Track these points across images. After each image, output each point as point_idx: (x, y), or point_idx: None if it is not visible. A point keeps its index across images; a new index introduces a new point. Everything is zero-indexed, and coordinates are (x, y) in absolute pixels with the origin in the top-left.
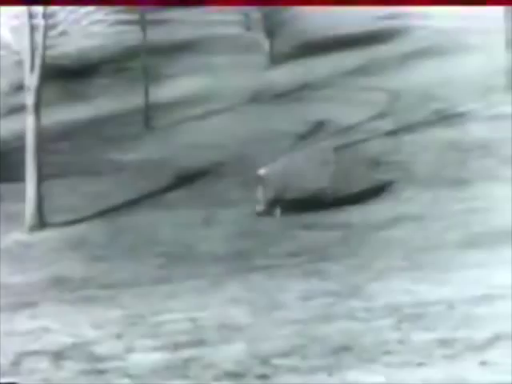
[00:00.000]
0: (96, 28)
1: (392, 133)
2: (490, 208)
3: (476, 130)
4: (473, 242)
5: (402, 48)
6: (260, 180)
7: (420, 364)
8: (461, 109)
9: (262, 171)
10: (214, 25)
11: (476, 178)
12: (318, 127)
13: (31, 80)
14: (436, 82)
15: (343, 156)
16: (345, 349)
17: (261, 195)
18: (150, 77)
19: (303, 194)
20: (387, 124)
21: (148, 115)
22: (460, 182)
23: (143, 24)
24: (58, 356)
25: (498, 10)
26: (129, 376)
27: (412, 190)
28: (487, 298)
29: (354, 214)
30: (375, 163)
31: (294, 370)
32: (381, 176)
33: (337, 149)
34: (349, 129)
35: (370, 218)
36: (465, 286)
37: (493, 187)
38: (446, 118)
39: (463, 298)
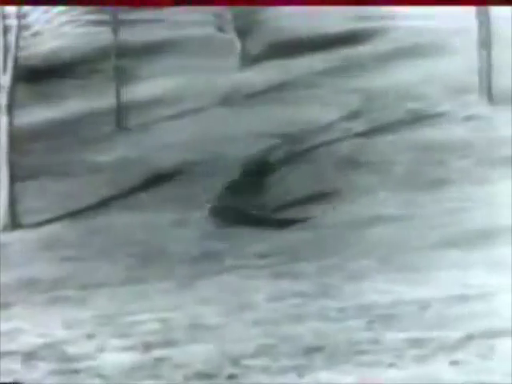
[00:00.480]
0: (68, 28)
1: (367, 133)
2: (466, 209)
3: (452, 131)
4: (448, 243)
5: (378, 48)
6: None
7: (391, 364)
8: (436, 109)
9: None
10: (187, 25)
11: (452, 178)
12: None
13: (4, 81)
14: (412, 82)
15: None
16: (316, 349)
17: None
18: (123, 77)
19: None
20: (362, 124)
21: (120, 116)
22: (436, 183)
23: (115, 25)
24: (30, 356)
25: (472, 10)
26: (100, 376)
27: (388, 191)
28: (461, 299)
29: (329, 214)
30: (352, 164)
31: (264, 370)
32: (358, 176)
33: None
34: (323, 129)
35: (346, 219)
36: (439, 286)
37: (468, 188)
38: (422, 118)
39: (437, 298)
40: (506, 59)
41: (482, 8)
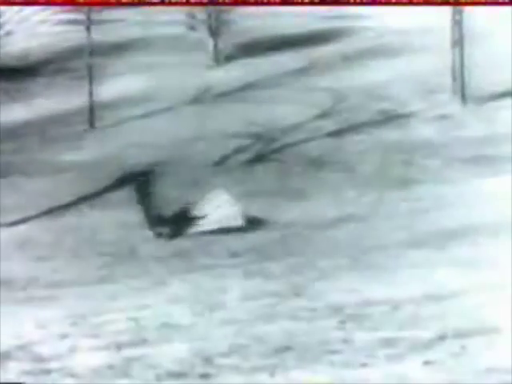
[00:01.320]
0: (41, 28)
1: (336, 133)
2: (435, 208)
3: (421, 131)
4: (417, 242)
5: (347, 48)
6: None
7: (363, 364)
8: (406, 109)
9: None
10: (158, 24)
11: (421, 178)
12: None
13: None
14: (381, 82)
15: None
16: (287, 349)
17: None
18: (94, 76)
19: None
20: (331, 124)
21: (92, 115)
22: (405, 183)
23: (88, 23)
24: (1, 357)
25: (444, 10)
26: (72, 376)
27: (356, 190)
28: (432, 298)
29: (297, 214)
30: (321, 163)
31: (236, 369)
32: (325, 175)
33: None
34: (292, 129)
35: (314, 218)
36: (410, 285)
37: (438, 187)
38: (392, 118)
39: (408, 297)
40: (477, 58)
41: (457, 8)
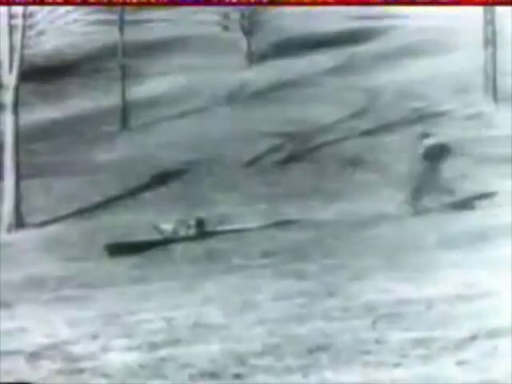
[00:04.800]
0: (73, 27)
1: (370, 132)
2: (468, 208)
3: (453, 129)
4: (451, 242)
5: (381, 47)
6: None
7: (397, 364)
8: (439, 108)
9: None
10: (192, 25)
11: (454, 177)
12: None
13: (9, 80)
14: (415, 81)
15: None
16: (321, 349)
17: None
18: (127, 76)
19: None
20: (365, 123)
21: (125, 115)
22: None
23: (121, 23)
24: (34, 356)
25: (477, 10)
26: (105, 376)
27: (391, 190)
28: (464, 298)
29: (330, 214)
30: (356, 162)
31: (269, 370)
32: (359, 175)
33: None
34: (326, 128)
35: (348, 218)
36: (443, 285)
37: (469, 186)
38: (425, 117)
39: (440, 297)
40: (509, 57)
41: (488, 8)
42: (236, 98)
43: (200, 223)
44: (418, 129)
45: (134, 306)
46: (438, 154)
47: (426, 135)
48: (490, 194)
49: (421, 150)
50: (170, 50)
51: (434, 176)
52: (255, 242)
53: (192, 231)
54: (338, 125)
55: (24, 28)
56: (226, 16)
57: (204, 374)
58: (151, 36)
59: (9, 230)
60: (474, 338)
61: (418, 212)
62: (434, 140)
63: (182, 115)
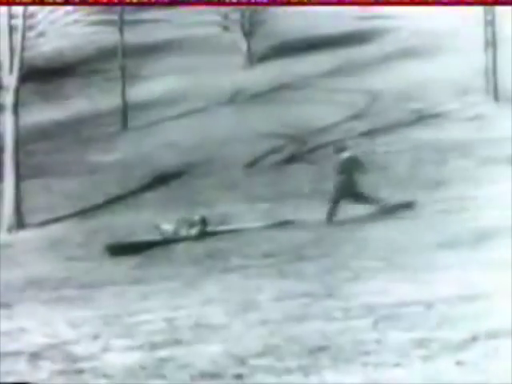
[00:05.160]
0: (74, 28)
1: (370, 133)
2: (467, 209)
3: (454, 131)
4: (450, 243)
5: (380, 49)
6: None
7: (396, 364)
8: (439, 109)
9: None
10: (192, 25)
11: (453, 178)
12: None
13: (10, 81)
14: (414, 82)
15: None
16: (321, 349)
17: None
18: (127, 77)
19: None
20: (365, 125)
21: (125, 115)
22: (437, 183)
23: (121, 24)
24: (35, 356)
25: (477, 10)
26: (105, 376)
27: (389, 191)
28: (464, 299)
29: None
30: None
31: (269, 370)
32: (358, 176)
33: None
34: (326, 130)
35: (348, 218)
36: (443, 286)
37: (470, 188)
38: (425, 118)
39: (440, 298)
40: (510, 58)
41: (489, 8)
42: (236, 98)
43: (203, 221)
44: (418, 130)
45: (134, 307)
46: (352, 167)
47: (340, 149)
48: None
49: (337, 164)
50: (169, 50)
51: (349, 188)
52: (255, 242)
53: (193, 231)
54: (338, 126)
55: (24, 29)
56: (225, 16)
57: (204, 375)
58: (151, 37)
59: (9, 231)
60: (473, 338)
61: (332, 222)
62: (349, 154)
63: (182, 116)
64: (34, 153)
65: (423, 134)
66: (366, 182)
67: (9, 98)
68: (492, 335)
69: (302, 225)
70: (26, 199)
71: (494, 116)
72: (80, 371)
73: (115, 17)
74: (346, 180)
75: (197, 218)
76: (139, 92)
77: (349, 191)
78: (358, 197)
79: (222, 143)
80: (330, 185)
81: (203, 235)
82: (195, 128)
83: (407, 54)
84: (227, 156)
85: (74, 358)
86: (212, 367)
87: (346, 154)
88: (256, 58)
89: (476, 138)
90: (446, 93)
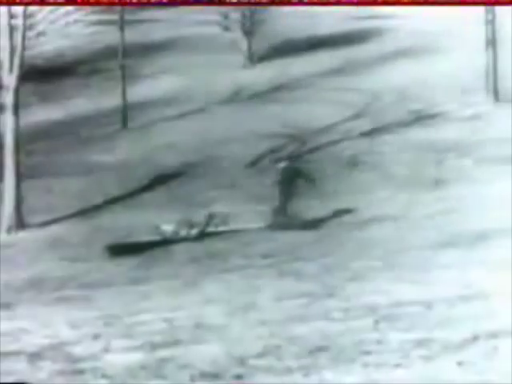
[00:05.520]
0: (74, 28)
1: (369, 133)
2: (466, 208)
3: (453, 131)
4: (449, 243)
5: (380, 49)
6: None
7: (397, 364)
8: (439, 109)
9: None
10: (192, 25)
11: (453, 178)
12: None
13: (10, 80)
14: (413, 82)
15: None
16: (321, 349)
17: None
18: (127, 77)
19: None
20: (364, 124)
21: (125, 115)
22: (437, 183)
23: (121, 24)
24: (35, 357)
25: (478, 10)
26: (105, 376)
27: (389, 191)
28: (464, 299)
29: (331, 214)
30: (354, 164)
31: (270, 370)
32: (357, 176)
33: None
34: (325, 129)
35: (348, 219)
36: (442, 286)
37: (470, 188)
38: (424, 118)
39: (441, 298)
40: (510, 58)
41: (490, 8)
42: (236, 98)
43: (211, 217)
44: (417, 130)
45: (134, 307)
46: (291, 176)
47: (279, 160)
48: (490, 194)
49: (277, 173)
50: (170, 50)
51: (287, 197)
52: (255, 242)
53: (194, 231)
54: (337, 126)
55: (24, 28)
56: (226, 16)
57: (204, 375)
58: (151, 36)
59: (9, 231)
60: (474, 338)
61: (274, 229)
62: (287, 164)
63: (182, 116)
64: (35, 153)
65: (422, 133)
66: (364, 182)
67: (9, 98)
68: (492, 335)
69: (300, 225)
70: (26, 199)
71: (493, 116)
72: (80, 371)
73: (115, 17)
74: (284, 189)
75: (206, 213)
76: (139, 92)
77: (285, 200)
78: (287, 207)
79: (222, 143)
80: (330, 184)
81: (202, 236)
82: (195, 128)
83: (407, 53)
84: (227, 156)
85: (74, 359)
86: (212, 367)
87: (282, 165)
88: (256, 58)
89: (475, 138)
90: (445, 93)
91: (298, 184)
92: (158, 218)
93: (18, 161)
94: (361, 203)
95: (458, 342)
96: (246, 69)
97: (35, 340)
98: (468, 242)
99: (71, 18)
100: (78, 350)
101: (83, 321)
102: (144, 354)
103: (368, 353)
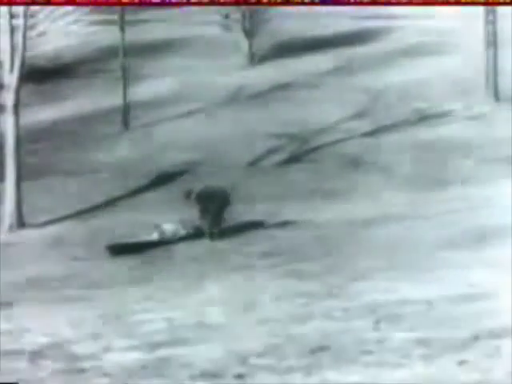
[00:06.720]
0: (74, 28)
1: (371, 133)
2: (469, 208)
3: (455, 130)
4: (451, 243)
5: (382, 48)
6: None
7: (398, 364)
8: (440, 109)
9: None
10: (193, 25)
11: (455, 178)
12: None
13: (11, 80)
14: (415, 82)
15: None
16: (322, 349)
17: None
18: (128, 77)
19: None
20: (366, 124)
21: (126, 115)
22: (439, 183)
23: (122, 24)
24: (35, 356)
25: (478, 10)
26: (106, 375)
27: (392, 191)
28: (466, 298)
29: (332, 214)
30: (357, 163)
31: (271, 369)
32: (360, 176)
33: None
34: (327, 129)
35: (350, 218)
36: (444, 285)
37: (470, 187)
38: (426, 117)
39: (442, 297)
40: (510, 58)
41: (490, 8)
42: (237, 98)
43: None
44: (419, 130)
45: (135, 307)
46: (206, 200)
47: (188, 194)
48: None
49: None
50: (170, 50)
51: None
52: (256, 242)
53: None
54: (339, 126)
55: (25, 28)
56: (226, 16)
57: (205, 374)
58: (152, 36)
59: (10, 231)
60: (475, 338)
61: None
62: (201, 189)
63: (183, 116)
64: (35, 153)
65: (424, 133)
66: (367, 182)
67: (9, 98)
68: (494, 335)
69: (303, 225)
70: (26, 199)
71: (494, 116)
72: (81, 370)
73: (115, 17)
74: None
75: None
76: (140, 92)
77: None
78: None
79: (223, 143)
80: (331, 184)
81: (202, 236)
82: (196, 128)
83: (408, 53)
84: (228, 156)
85: (74, 358)
86: (213, 367)
87: (193, 195)
88: (257, 58)
89: (476, 138)
90: (446, 92)
91: (216, 206)
92: (158, 217)
93: (18, 161)
94: (362, 203)
95: (459, 341)
96: (246, 69)
97: (36, 339)
98: (470, 242)
99: (72, 18)
100: (78, 349)
101: (84, 320)
102: (145, 354)
103: (369, 352)
